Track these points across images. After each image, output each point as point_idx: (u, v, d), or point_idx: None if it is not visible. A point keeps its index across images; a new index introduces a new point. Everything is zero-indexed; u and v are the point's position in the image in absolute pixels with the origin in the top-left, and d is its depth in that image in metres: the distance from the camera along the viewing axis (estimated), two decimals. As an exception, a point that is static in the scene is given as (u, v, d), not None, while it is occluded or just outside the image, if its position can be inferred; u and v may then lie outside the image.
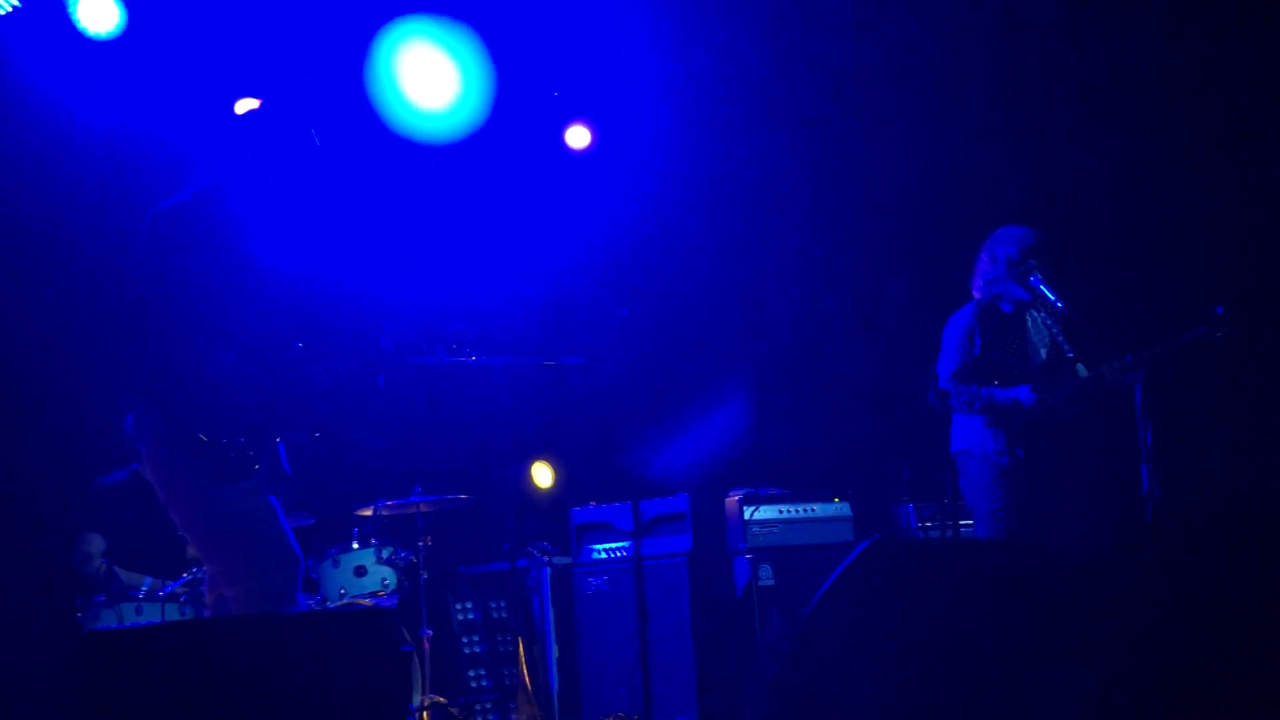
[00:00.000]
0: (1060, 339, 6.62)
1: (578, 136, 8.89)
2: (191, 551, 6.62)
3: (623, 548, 7.30)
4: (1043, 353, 6.65)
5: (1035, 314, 6.70)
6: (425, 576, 7.09)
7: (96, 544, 6.90)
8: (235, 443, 4.72)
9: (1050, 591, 3.48)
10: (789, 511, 7.36)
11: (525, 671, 7.04)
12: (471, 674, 7.95)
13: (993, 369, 6.57)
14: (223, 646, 3.89)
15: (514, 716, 7.19)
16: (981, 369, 6.58)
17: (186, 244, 4.75)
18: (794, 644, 3.56)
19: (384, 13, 7.97)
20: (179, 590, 6.43)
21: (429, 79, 8.13)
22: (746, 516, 7.25)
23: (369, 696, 3.88)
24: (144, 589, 6.53)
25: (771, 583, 7.17)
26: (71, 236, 7.23)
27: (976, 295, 6.78)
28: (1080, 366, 6.56)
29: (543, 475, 8.37)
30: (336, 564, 6.84)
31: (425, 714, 6.78)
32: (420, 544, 7.09)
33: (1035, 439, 6.52)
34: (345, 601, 6.79)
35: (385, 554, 6.88)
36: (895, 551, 3.67)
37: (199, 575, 6.32)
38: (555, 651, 7.65)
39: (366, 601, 6.81)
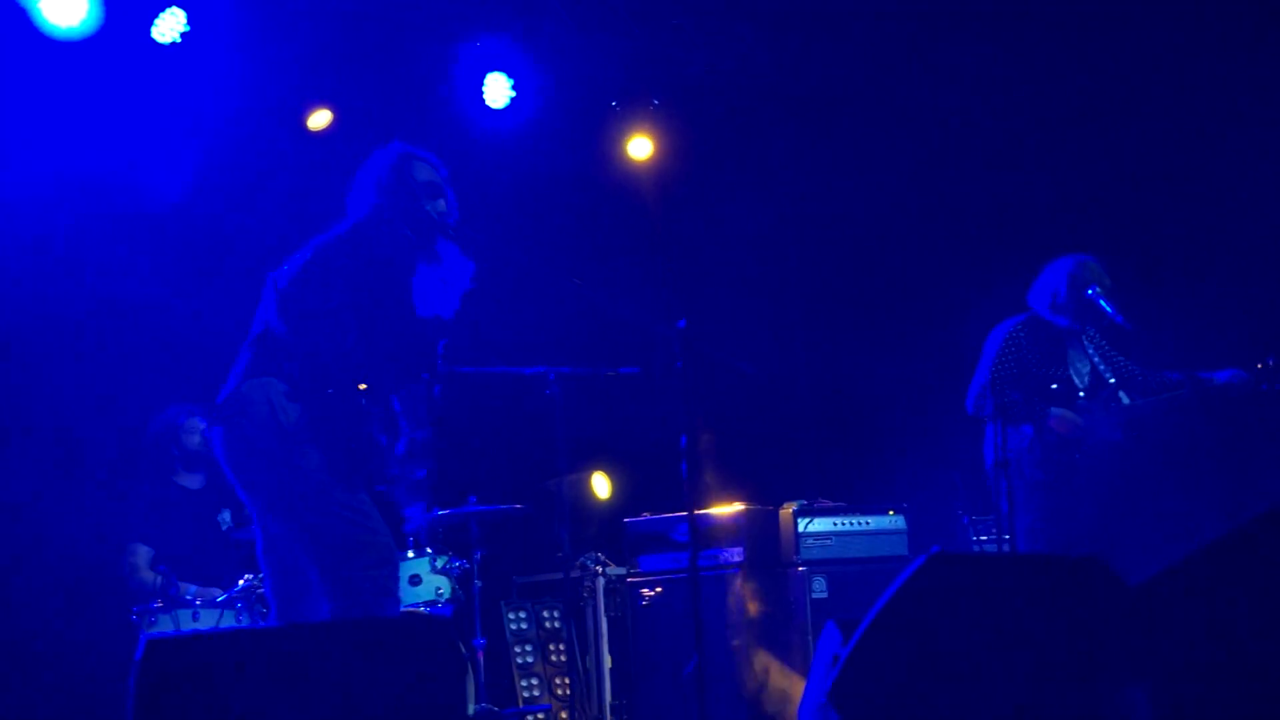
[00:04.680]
0: (1101, 366, 6.58)
1: (639, 147, 8.93)
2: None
3: (677, 558, 7.27)
4: (1085, 377, 6.60)
5: (1083, 338, 6.66)
6: (479, 586, 7.09)
7: (143, 555, 6.92)
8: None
9: (1115, 608, 3.44)
10: (843, 524, 7.32)
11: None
12: (524, 684, 7.95)
13: (1032, 384, 6.52)
14: (279, 653, 3.90)
15: None
16: (1022, 382, 6.52)
17: (352, 272, 4.89)
18: (848, 660, 3.53)
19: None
20: (236, 596, 6.45)
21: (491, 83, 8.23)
22: (800, 529, 7.22)
23: (425, 705, 3.88)
24: (189, 596, 6.55)
25: (825, 596, 7.14)
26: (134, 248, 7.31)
27: (1030, 308, 6.75)
28: (1122, 394, 6.52)
29: (601, 485, 8.35)
30: (391, 572, 6.84)
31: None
32: (475, 553, 7.10)
33: (1072, 454, 6.47)
34: (401, 610, 6.79)
35: (440, 563, 6.87)
36: (954, 566, 3.63)
37: (254, 582, 6.34)
38: (608, 662, 7.64)
39: (422, 610, 6.82)
